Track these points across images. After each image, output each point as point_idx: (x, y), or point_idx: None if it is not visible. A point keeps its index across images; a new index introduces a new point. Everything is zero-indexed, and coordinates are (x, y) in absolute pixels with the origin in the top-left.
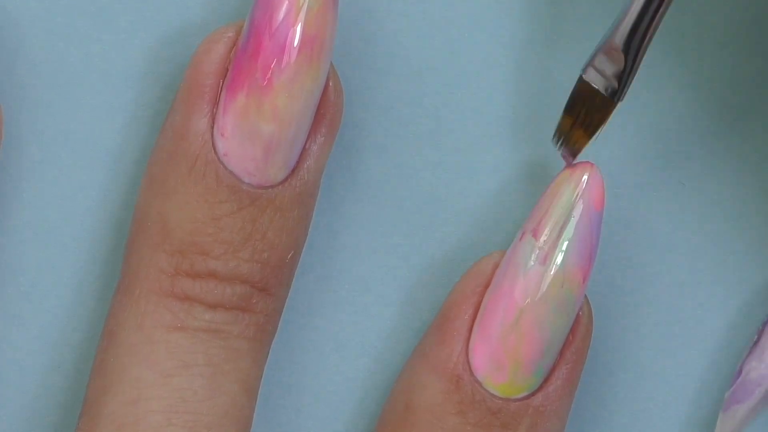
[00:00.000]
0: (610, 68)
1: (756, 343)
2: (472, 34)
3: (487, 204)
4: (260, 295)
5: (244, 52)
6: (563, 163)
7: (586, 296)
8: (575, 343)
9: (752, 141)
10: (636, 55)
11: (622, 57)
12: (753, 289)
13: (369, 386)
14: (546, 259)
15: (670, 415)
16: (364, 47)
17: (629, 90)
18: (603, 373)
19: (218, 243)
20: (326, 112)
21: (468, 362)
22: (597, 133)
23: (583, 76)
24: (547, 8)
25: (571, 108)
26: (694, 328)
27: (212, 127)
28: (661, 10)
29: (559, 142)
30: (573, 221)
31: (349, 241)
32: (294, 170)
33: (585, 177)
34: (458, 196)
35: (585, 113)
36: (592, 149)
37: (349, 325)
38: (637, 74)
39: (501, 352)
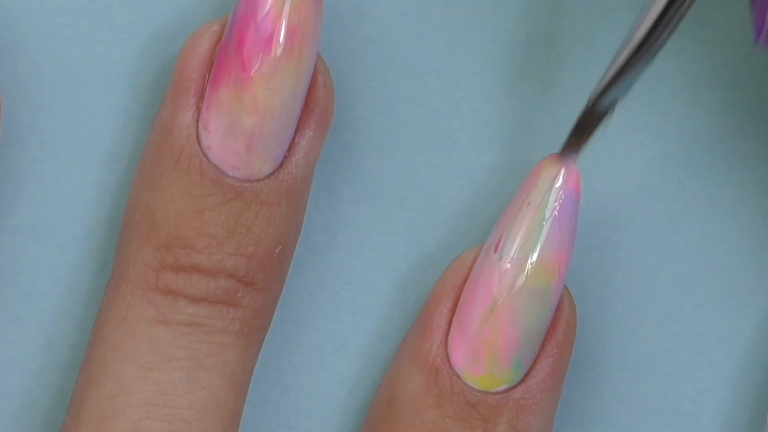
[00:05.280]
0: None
1: None
2: (472, 34)
3: (486, 204)
4: (246, 290)
5: (227, 45)
6: None
7: (568, 291)
8: (556, 336)
9: (752, 141)
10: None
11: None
12: (752, 290)
13: (368, 386)
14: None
15: (669, 416)
16: (362, 46)
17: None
18: (602, 374)
19: (202, 237)
20: (315, 106)
21: (447, 355)
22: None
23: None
24: (547, 8)
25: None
26: (693, 328)
27: (197, 121)
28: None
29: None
30: (548, 212)
31: (348, 241)
32: (281, 165)
33: (561, 170)
34: (457, 196)
35: None
36: (591, 149)
37: (348, 325)
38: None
39: (477, 344)
